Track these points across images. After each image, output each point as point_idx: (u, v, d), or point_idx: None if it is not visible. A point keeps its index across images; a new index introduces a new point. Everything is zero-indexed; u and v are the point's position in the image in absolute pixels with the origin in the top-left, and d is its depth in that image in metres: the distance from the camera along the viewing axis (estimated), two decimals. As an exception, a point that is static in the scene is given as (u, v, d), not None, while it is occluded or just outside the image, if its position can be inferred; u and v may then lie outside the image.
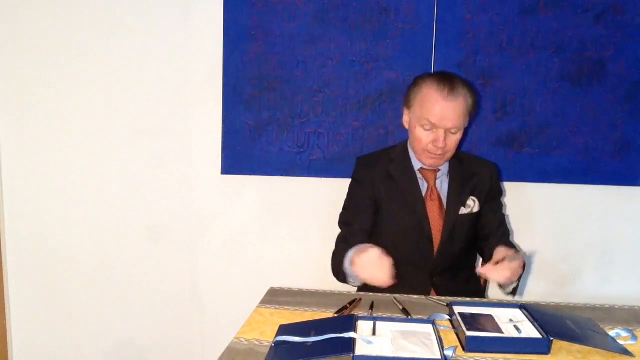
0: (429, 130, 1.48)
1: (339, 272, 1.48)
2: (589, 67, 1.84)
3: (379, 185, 1.57)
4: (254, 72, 1.89)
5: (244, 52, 1.88)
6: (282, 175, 1.93)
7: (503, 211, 1.70)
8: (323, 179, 1.92)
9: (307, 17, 1.86)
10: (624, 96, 1.85)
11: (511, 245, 1.63)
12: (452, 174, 1.59)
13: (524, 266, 1.54)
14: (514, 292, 1.49)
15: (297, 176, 1.93)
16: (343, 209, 1.63)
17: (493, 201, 1.64)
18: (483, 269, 1.34)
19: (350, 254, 1.37)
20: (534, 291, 1.96)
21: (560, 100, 1.86)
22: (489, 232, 1.62)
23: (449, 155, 1.54)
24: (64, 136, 1.98)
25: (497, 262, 1.34)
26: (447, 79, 1.47)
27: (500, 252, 1.39)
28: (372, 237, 1.61)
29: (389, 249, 1.57)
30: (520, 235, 1.93)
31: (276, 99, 1.90)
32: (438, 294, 1.55)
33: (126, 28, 1.92)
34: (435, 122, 1.46)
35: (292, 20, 1.86)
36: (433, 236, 1.54)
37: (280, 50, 1.88)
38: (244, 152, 1.93)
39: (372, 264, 1.27)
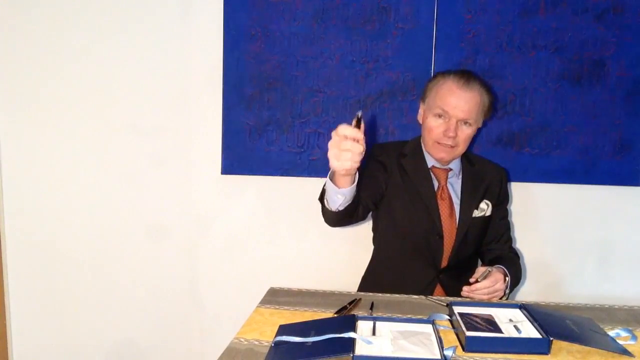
0: (441, 119, 1.50)
1: (324, 206, 1.35)
2: (589, 67, 1.84)
3: (394, 171, 1.57)
4: (254, 72, 1.89)
5: (244, 52, 1.88)
6: (282, 175, 1.93)
7: (509, 218, 1.71)
8: (323, 179, 1.91)
9: (307, 17, 1.86)
10: (624, 96, 1.85)
11: (513, 253, 1.65)
12: (464, 175, 1.60)
13: (518, 274, 1.55)
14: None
15: (297, 176, 1.93)
16: None
17: (500, 207, 1.65)
18: (465, 292, 1.39)
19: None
20: (534, 291, 1.96)
21: (560, 100, 1.86)
22: (492, 238, 1.64)
23: (459, 150, 1.54)
24: (64, 136, 1.98)
25: (473, 282, 1.40)
26: (465, 73, 1.52)
27: (477, 272, 1.43)
28: (384, 231, 1.62)
29: (398, 241, 1.59)
30: (520, 235, 1.93)
31: (276, 99, 1.90)
32: (443, 289, 1.56)
33: (126, 28, 1.92)
34: (448, 109, 1.47)
35: (292, 20, 1.86)
36: (444, 235, 1.55)
37: (280, 50, 1.88)
38: (244, 152, 1.93)
39: (337, 134, 1.11)
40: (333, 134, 1.13)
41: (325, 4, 1.85)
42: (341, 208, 1.31)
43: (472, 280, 1.39)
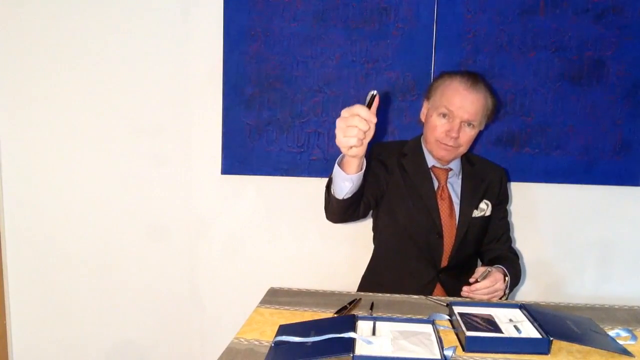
0: (445, 119, 1.50)
1: (329, 197, 1.35)
2: (589, 67, 1.84)
3: (394, 170, 1.57)
4: (254, 72, 1.89)
5: (244, 52, 1.88)
6: (282, 175, 1.93)
7: (508, 218, 1.71)
8: (323, 179, 1.91)
9: (307, 17, 1.86)
10: (624, 96, 1.85)
11: (512, 252, 1.65)
12: (464, 175, 1.60)
13: (517, 274, 1.55)
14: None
15: (297, 176, 1.93)
16: None
17: (500, 207, 1.65)
18: (465, 292, 1.38)
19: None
20: (534, 291, 1.96)
21: (560, 100, 1.86)
22: (492, 237, 1.64)
23: (461, 150, 1.55)
24: (64, 136, 1.98)
25: (473, 282, 1.39)
26: (471, 75, 1.53)
27: (477, 272, 1.43)
28: (384, 231, 1.62)
29: (398, 241, 1.59)
30: (520, 235, 1.93)
31: (276, 99, 1.90)
32: (443, 289, 1.56)
33: (126, 28, 1.92)
34: (453, 109, 1.48)
35: (292, 20, 1.86)
36: (444, 235, 1.55)
37: (280, 50, 1.88)
38: (244, 152, 1.93)
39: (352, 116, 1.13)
40: (343, 110, 1.15)
41: (325, 4, 1.85)
42: (347, 196, 1.30)
43: (471, 280, 1.40)
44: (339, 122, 1.15)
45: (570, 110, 1.86)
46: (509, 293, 1.46)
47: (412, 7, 1.84)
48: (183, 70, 1.93)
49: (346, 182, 1.26)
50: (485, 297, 1.37)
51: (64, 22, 1.92)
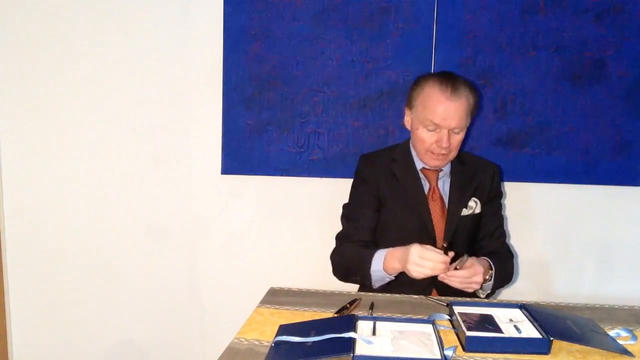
0: (432, 130, 1.48)
1: (351, 272, 1.51)
2: (589, 67, 1.84)
3: (382, 182, 1.57)
4: (254, 72, 1.89)
5: (244, 52, 1.88)
6: (282, 175, 1.93)
7: (502, 213, 1.70)
8: (323, 179, 1.92)
9: (307, 17, 1.86)
10: (624, 96, 1.85)
11: (506, 249, 1.64)
12: (453, 174, 1.60)
13: (507, 270, 1.56)
14: (488, 295, 1.50)
15: (297, 176, 1.93)
16: (346, 205, 1.63)
17: (492, 202, 1.64)
18: (441, 277, 1.36)
19: (381, 255, 1.42)
20: (534, 291, 1.96)
21: (560, 100, 1.86)
22: (485, 233, 1.63)
23: (453, 155, 1.54)
24: (64, 136, 1.98)
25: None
26: (449, 79, 1.48)
27: (460, 261, 1.41)
28: (376, 236, 1.61)
29: (391, 245, 1.59)
30: (520, 235, 1.93)
31: (276, 99, 1.90)
32: (439, 293, 1.56)
33: (126, 28, 1.92)
34: (438, 122, 1.46)
35: (292, 20, 1.86)
36: (436, 235, 1.54)
37: (280, 50, 1.88)
38: (244, 152, 1.93)
39: (424, 257, 1.30)
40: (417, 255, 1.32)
41: (325, 4, 1.85)
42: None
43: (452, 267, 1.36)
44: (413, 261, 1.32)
45: (570, 110, 1.86)
46: (495, 290, 1.46)
47: (412, 7, 1.84)
48: (183, 71, 1.93)
49: (386, 279, 1.44)
50: (459, 286, 1.35)
51: (64, 22, 1.92)
